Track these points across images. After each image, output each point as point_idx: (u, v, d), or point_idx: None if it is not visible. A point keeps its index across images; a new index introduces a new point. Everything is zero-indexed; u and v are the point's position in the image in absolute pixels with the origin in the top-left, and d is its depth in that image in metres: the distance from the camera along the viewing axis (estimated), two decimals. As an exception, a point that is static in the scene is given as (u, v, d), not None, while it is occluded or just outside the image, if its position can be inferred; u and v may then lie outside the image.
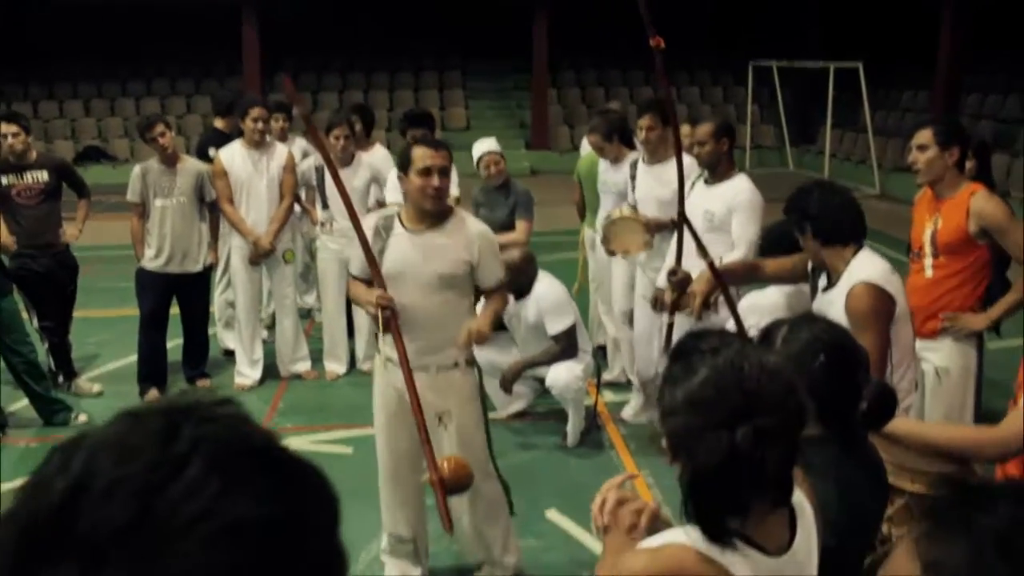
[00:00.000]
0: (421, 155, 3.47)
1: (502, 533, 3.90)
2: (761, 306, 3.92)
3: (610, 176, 5.89)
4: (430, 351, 3.58)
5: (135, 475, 0.66)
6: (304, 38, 18.14)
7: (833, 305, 3.04)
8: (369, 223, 3.61)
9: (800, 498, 1.60)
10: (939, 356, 3.90)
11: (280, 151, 6.20)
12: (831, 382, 2.00)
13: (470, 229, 3.66)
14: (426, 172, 3.45)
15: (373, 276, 3.51)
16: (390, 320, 3.44)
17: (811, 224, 3.10)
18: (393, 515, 3.85)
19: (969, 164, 4.51)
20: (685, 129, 5.72)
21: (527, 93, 17.97)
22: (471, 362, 3.74)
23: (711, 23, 18.26)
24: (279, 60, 17.82)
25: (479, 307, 3.88)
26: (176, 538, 0.65)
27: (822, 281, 3.26)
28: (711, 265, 3.74)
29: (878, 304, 2.94)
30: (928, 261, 3.89)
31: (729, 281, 3.76)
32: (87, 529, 0.64)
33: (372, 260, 3.49)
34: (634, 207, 5.25)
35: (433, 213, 3.54)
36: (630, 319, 5.71)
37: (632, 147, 5.80)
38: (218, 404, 0.75)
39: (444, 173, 3.48)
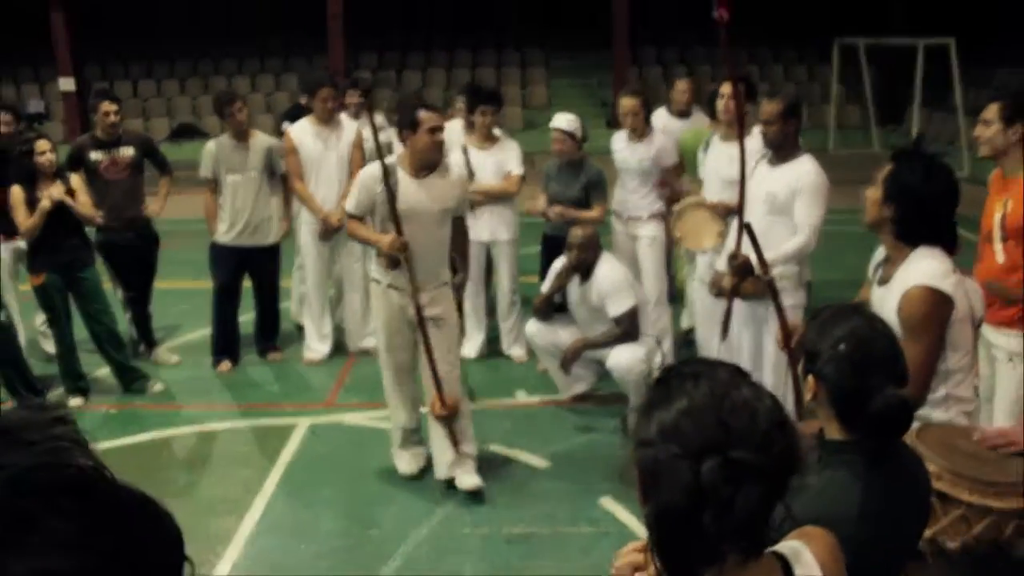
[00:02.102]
0: (429, 117, 4.28)
1: (467, 421, 4.63)
2: None
3: (628, 154, 5.81)
4: (431, 273, 4.44)
5: None
6: (387, 16, 18.27)
7: (886, 302, 2.90)
8: (374, 171, 4.30)
9: (798, 548, 1.42)
10: (1012, 342, 3.75)
11: (349, 128, 6.26)
12: (843, 375, 1.95)
13: (453, 172, 4.55)
14: (433, 131, 4.27)
15: (393, 220, 4.22)
16: (407, 257, 4.26)
17: (901, 209, 2.88)
18: (399, 412, 4.70)
19: None
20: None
21: (608, 71, 17.74)
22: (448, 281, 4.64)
23: (796, -1, 17.70)
24: (365, 38, 18.02)
25: None
26: None
27: (880, 272, 3.12)
28: (770, 284, 3.63)
29: (934, 309, 2.77)
30: (998, 246, 3.73)
31: None
32: None
33: (394, 208, 4.20)
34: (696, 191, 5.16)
35: (435, 163, 4.36)
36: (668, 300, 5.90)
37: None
38: (50, 424, 0.64)
39: (442, 130, 4.35)
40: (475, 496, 4.51)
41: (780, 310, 3.44)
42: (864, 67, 15.94)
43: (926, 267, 2.84)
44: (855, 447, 1.96)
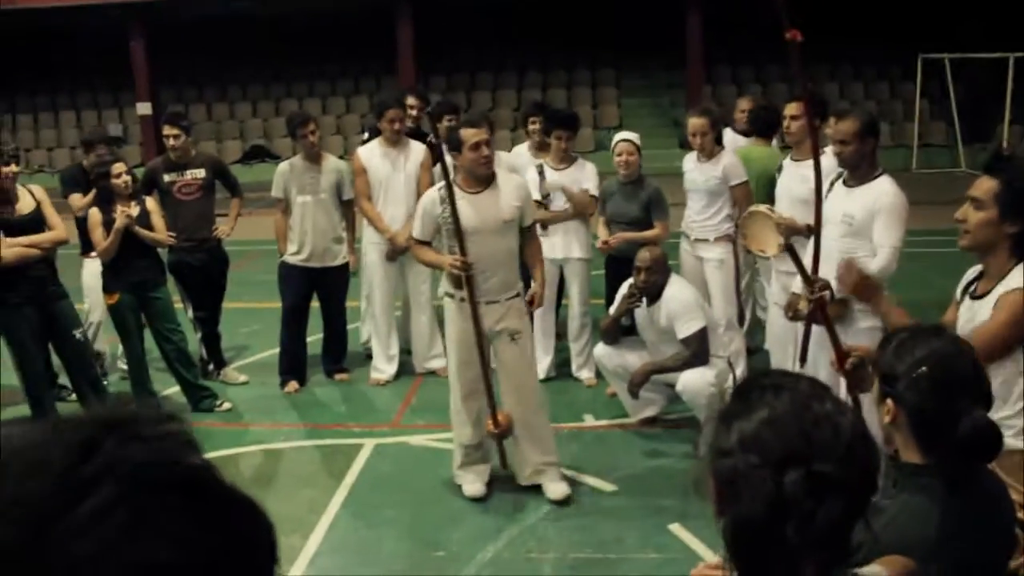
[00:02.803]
0: (471, 134, 4.33)
1: (546, 431, 4.70)
2: None
3: (697, 175, 5.74)
4: (502, 286, 4.45)
5: (32, 497, 0.59)
6: (458, 37, 18.45)
7: (979, 314, 2.77)
8: (432, 195, 4.46)
9: (879, 573, 1.39)
10: None
11: (417, 149, 6.27)
12: (925, 398, 1.87)
13: (510, 181, 4.57)
14: (476, 147, 4.30)
15: (458, 242, 4.29)
16: (470, 277, 4.30)
17: (1021, 222, 2.72)
18: (464, 428, 4.64)
19: None
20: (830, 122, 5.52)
21: (681, 90, 17.58)
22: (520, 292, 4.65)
23: (877, 13, 17.30)
24: (434, 60, 18.22)
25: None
26: (65, 574, 0.58)
27: (973, 288, 2.96)
28: (820, 301, 3.50)
29: None
30: None
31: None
32: None
33: (459, 228, 4.27)
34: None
35: (487, 177, 4.39)
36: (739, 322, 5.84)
37: (721, 144, 5.85)
38: (160, 420, 0.67)
39: (488, 144, 4.37)
40: (542, 519, 4.43)
41: (831, 330, 3.30)
42: (950, 83, 15.48)
43: None
44: (933, 471, 1.88)
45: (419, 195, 6.16)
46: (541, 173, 6.04)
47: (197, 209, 6.24)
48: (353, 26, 17.78)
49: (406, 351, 6.62)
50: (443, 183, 4.37)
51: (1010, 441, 2.65)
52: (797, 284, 4.55)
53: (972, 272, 3.01)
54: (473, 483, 4.70)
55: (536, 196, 5.91)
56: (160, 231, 5.74)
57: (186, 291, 6.37)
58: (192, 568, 0.61)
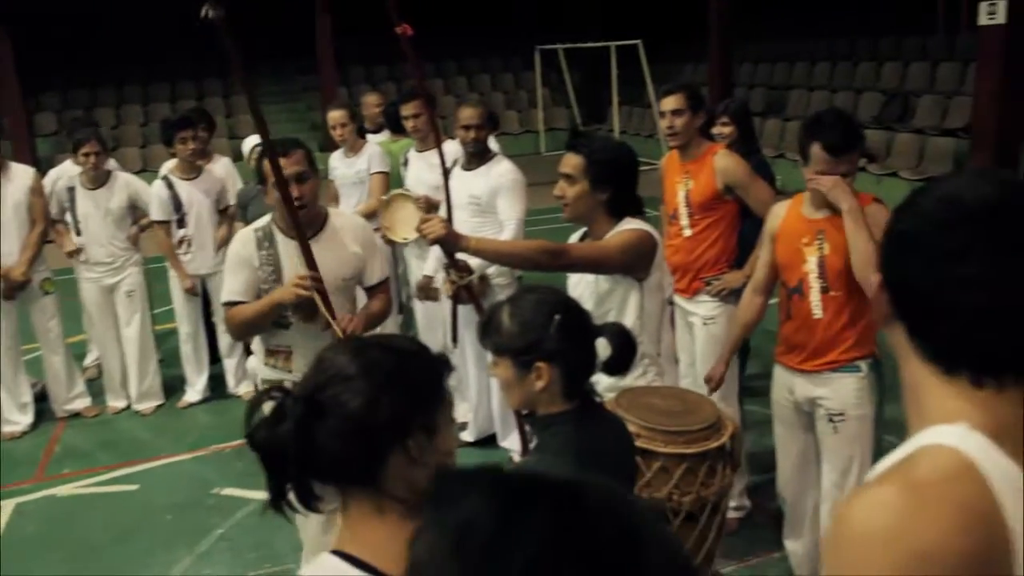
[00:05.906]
0: (287, 163, 3.15)
1: None
2: None
3: (345, 169, 5.88)
4: None
5: None
6: (70, 52, 16.93)
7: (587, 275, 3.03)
8: (246, 236, 3.32)
9: None
10: (705, 308, 4.06)
11: (22, 172, 5.65)
12: (571, 340, 2.01)
13: (350, 223, 3.47)
14: (296, 179, 3.16)
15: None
16: (328, 302, 3.08)
17: (613, 188, 2.94)
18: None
19: (728, 129, 4.74)
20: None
21: (317, 93, 17.55)
22: None
23: (498, 8, 18.46)
24: (47, 77, 16.60)
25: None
26: None
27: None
28: (468, 286, 3.47)
29: (638, 236, 2.89)
30: (685, 221, 4.04)
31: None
32: None
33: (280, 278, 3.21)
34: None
35: (312, 219, 3.27)
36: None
37: (363, 137, 5.99)
38: None
39: (302, 178, 3.18)
40: (216, 542, 4.26)
41: (479, 307, 3.47)
42: (566, 71, 16.87)
43: (633, 224, 2.97)
44: (566, 416, 2.03)
45: (33, 223, 5.61)
46: (171, 187, 5.74)
47: None
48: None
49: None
50: (260, 220, 3.36)
51: (629, 379, 2.95)
52: (428, 267, 4.83)
53: (575, 236, 3.27)
54: None
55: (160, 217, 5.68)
56: None
57: None
58: None
